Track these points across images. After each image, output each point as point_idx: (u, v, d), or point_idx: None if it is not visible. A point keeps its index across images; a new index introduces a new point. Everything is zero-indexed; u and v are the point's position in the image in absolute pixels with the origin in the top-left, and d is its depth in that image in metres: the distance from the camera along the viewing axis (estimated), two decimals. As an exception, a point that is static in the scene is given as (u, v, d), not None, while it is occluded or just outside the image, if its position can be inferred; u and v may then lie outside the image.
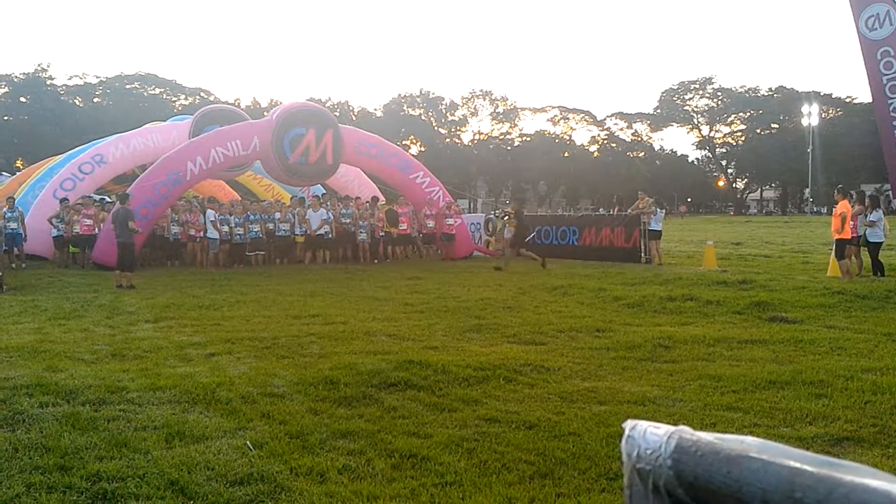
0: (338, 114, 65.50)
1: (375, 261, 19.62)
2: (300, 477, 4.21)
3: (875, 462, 4.40)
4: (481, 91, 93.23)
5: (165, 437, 4.84)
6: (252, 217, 18.83)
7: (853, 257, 14.28)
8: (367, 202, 20.78)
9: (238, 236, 18.42)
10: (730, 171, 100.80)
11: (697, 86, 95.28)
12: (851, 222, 13.93)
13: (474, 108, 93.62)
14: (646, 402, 5.76)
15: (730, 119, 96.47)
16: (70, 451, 4.55)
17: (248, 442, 4.75)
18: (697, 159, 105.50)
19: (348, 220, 19.90)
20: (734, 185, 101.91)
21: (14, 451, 4.57)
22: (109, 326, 9.38)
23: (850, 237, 13.89)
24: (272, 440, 4.80)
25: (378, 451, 4.64)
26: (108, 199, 20.35)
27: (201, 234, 18.18)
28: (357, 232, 19.74)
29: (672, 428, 0.99)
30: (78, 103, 72.82)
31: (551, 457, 4.53)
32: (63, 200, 18.93)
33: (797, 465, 0.84)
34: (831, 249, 15.66)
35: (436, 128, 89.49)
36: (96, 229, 17.92)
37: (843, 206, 14.06)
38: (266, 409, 5.50)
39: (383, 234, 20.12)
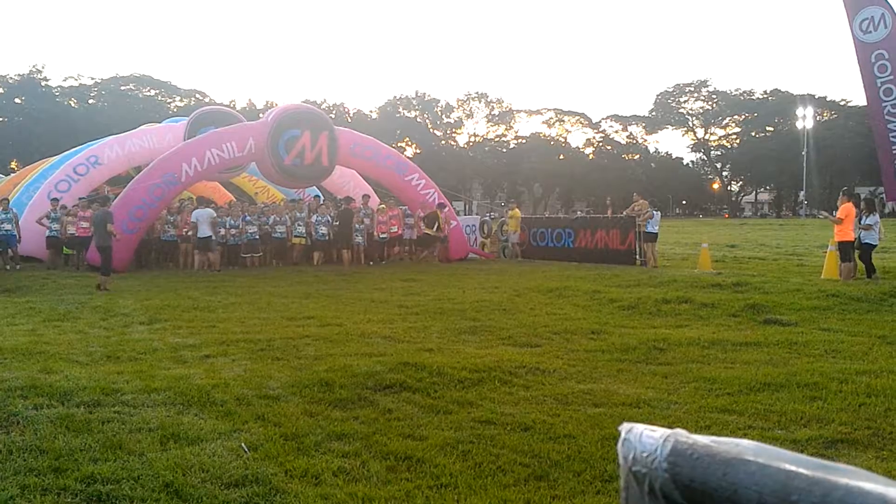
0: (333, 115, 65.59)
1: (370, 262, 19.60)
2: (295, 479, 4.20)
3: (869, 464, 4.41)
4: (477, 93, 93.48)
5: (160, 438, 4.83)
6: (249, 219, 18.82)
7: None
8: (360, 206, 20.74)
9: (233, 238, 18.41)
10: (724, 173, 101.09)
11: (692, 88, 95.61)
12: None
13: (470, 110, 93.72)
14: (641, 404, 5.77)
15: (725, 122, 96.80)
16: (64, 453, 4.53)
17: (243, 444, 4.74)
18: (692, 162, 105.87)
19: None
20: (729, 188, 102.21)
21: (8, 453, 4.55)
22: (104, 328, 9.35)
23: (852, 239, 13.91)
24: (267, 442, 4.79)
25: (373, 453, 4.64)
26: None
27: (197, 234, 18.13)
28: (353, 234, 19.71)
29: (668, 431, 0.99)
30: (73, 104, 72.67)
31: (546, 459, 4.53)
32: (53, 200, 18.90)
33: (793, 468, 0.84)
34: (825, 252, 15.71)
35: (431, 130, 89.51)
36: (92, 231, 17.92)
37: (845, 209, 14.07)
38: (261, 411, 5.49)
39: (384, 236, 20.06)
